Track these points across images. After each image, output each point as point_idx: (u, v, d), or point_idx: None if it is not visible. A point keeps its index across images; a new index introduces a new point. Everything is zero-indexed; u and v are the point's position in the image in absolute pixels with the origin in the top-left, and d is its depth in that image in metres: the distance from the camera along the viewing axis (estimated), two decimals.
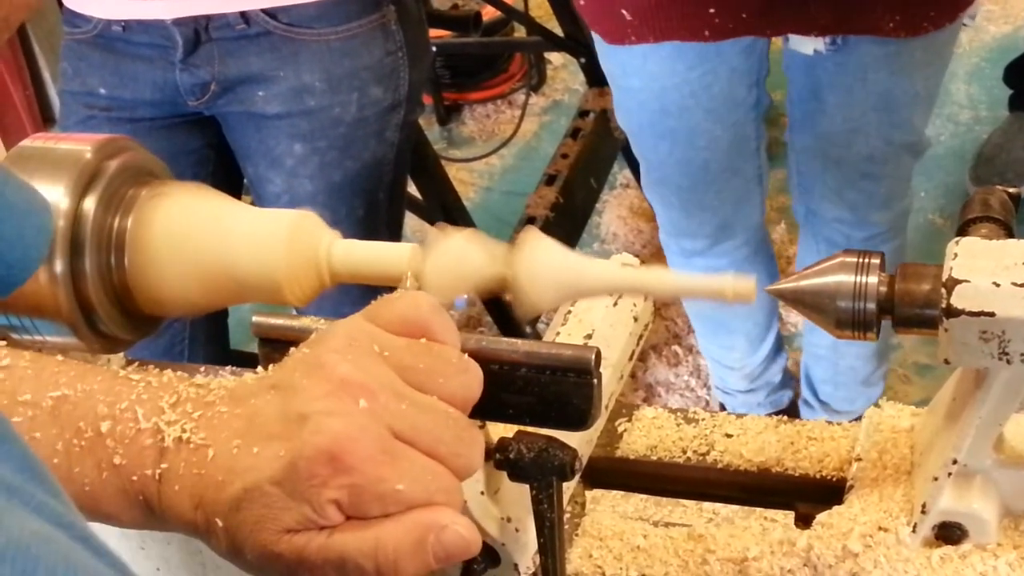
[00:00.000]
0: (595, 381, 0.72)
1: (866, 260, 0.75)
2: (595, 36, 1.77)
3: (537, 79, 3.79)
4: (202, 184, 0.83)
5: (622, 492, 0.99)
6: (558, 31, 3.18)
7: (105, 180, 0.79)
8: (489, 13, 3.27)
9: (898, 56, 1.72)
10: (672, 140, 1.81)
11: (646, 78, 1.73)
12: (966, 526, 0.82)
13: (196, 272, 0.79)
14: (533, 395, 0.72)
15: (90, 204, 0.78)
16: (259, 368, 0.71)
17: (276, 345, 0.73)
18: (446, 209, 2.45)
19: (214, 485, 0.62)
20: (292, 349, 0.68)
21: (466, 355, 0.68)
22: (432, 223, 2.56)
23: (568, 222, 2.86)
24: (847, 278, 0.74)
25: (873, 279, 0.74)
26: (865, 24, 1.64)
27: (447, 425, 0.64)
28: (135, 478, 0.64)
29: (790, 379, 2.49)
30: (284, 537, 0.62)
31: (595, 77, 3.11)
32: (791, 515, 0.95)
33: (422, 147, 2.32)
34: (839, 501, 0.89)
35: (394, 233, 1.96)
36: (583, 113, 3.12)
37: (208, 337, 1.96)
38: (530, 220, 2.74)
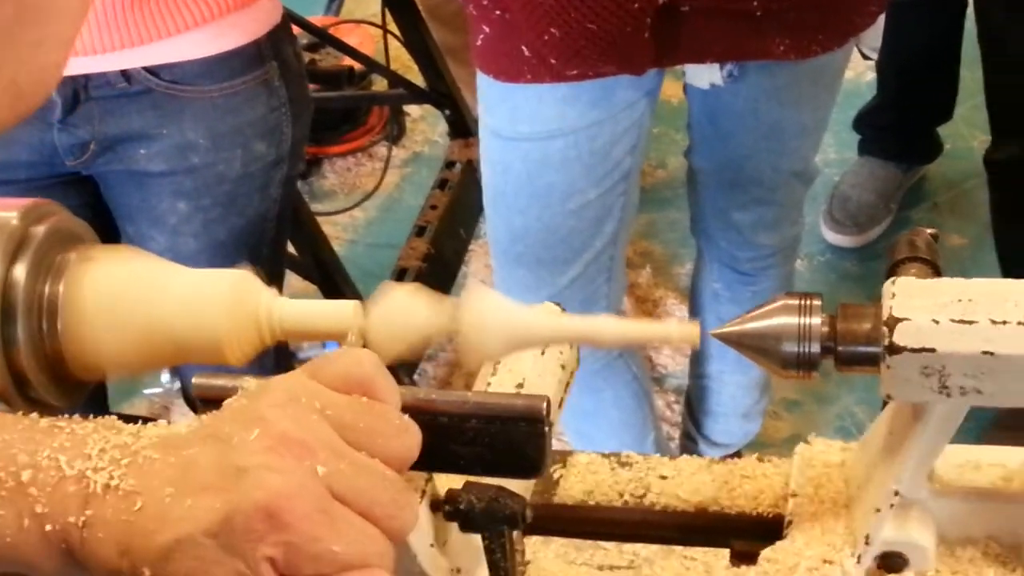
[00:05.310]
0: (547, 429, 0.73)
1: (808, 302, 0.77)
2: (485, 82, 1.77)
3: (397, 131, 3.80)
4: (133, 247, 0.82)
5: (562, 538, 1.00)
6: (418, 82, 3.20)
7: (34, 246, 0.77)
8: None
9: (788, 89, 1.81)
10: (546, 200, 1.81)
11: (537, 123, 1.74)
12: (907, 555, 0.86)
13: (132, 335, 0.78)
14: (483, 445, 0.73)
15: (20, 271, 0.76)
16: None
17: (218, 406, 0.73)
18: (321, 264, 2.44)
19: (143, 533, 0.61)
20: (227, 400, 0.67)
21: (406, 416, 0.68)
22: (308, 278, 2.54)
23: (441, 272, 2.87)
24: (791, 320, 0.77)
25: (816, 320, 0.77)
26: (757, 48, 1.70)
27: (384, 487, 0.64)
28: (57, 526, 0.63)
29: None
30: None
31: (460, 128, 3.14)
32: (713, 552, 0.97)
33: (296, 202, 2.31)
34: (777, 537, 0.91)
35: (276, 288, 1.94)
36: (449, 164, 3.14)
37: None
38: (403, 271, 2.74)
